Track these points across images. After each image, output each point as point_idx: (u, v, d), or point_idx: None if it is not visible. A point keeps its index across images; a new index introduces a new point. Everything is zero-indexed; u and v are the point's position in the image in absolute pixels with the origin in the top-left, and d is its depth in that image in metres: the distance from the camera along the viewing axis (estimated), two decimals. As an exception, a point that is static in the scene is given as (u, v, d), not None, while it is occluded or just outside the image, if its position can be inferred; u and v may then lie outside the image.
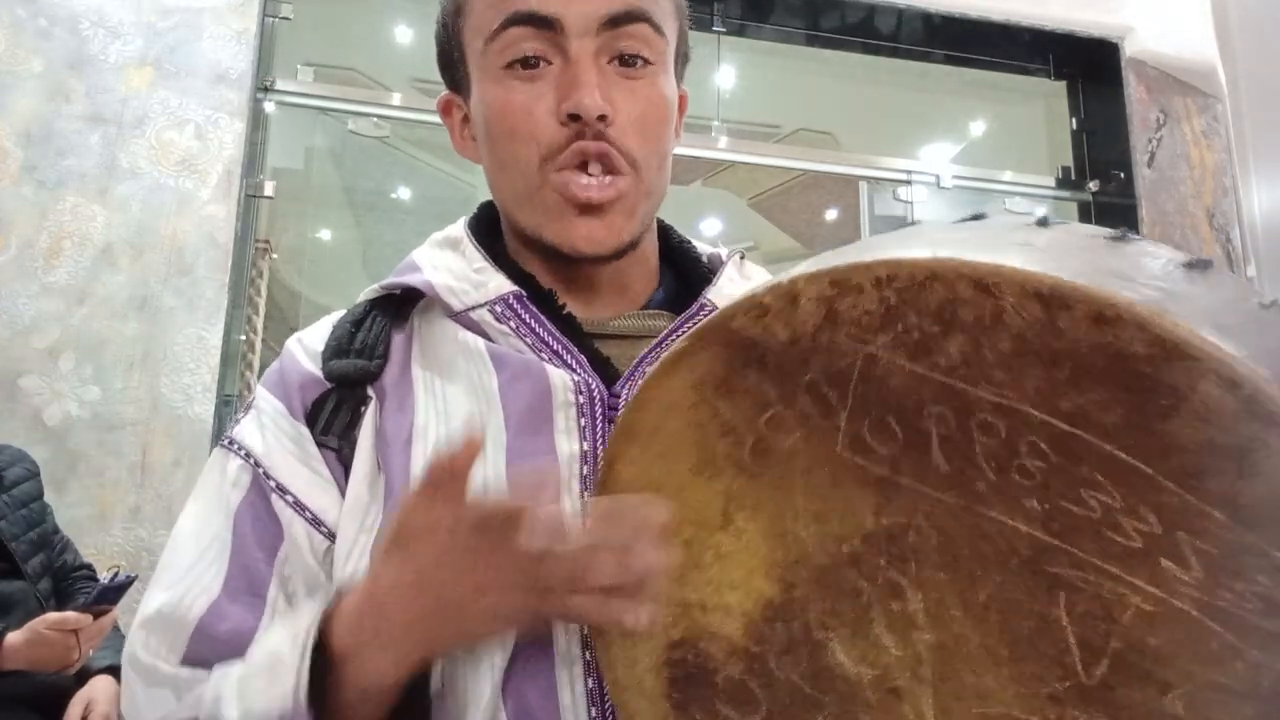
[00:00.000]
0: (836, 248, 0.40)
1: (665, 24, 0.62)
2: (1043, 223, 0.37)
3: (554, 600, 0.45)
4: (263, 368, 2.18)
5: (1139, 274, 0.32)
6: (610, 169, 0.59)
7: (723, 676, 0.43)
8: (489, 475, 0.56)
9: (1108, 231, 0.36)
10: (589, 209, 0.59)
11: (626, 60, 0.60)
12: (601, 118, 0.57)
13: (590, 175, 0.58)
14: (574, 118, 0.57)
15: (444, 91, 0.69)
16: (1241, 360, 0.29)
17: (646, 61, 0.61)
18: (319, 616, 0.50)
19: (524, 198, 0.61)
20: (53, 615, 1.51)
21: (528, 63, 0.59)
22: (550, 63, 0.59)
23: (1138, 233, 0.37)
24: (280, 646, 0.50)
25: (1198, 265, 0.34)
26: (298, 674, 0.48)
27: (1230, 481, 0.30)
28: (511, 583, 0.46)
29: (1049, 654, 0.35)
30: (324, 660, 0.49)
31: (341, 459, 0.59)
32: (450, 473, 0.46)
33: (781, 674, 0.41)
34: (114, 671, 1.64)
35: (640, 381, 0.43)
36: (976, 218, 0.39)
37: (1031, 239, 0.35)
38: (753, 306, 0.38)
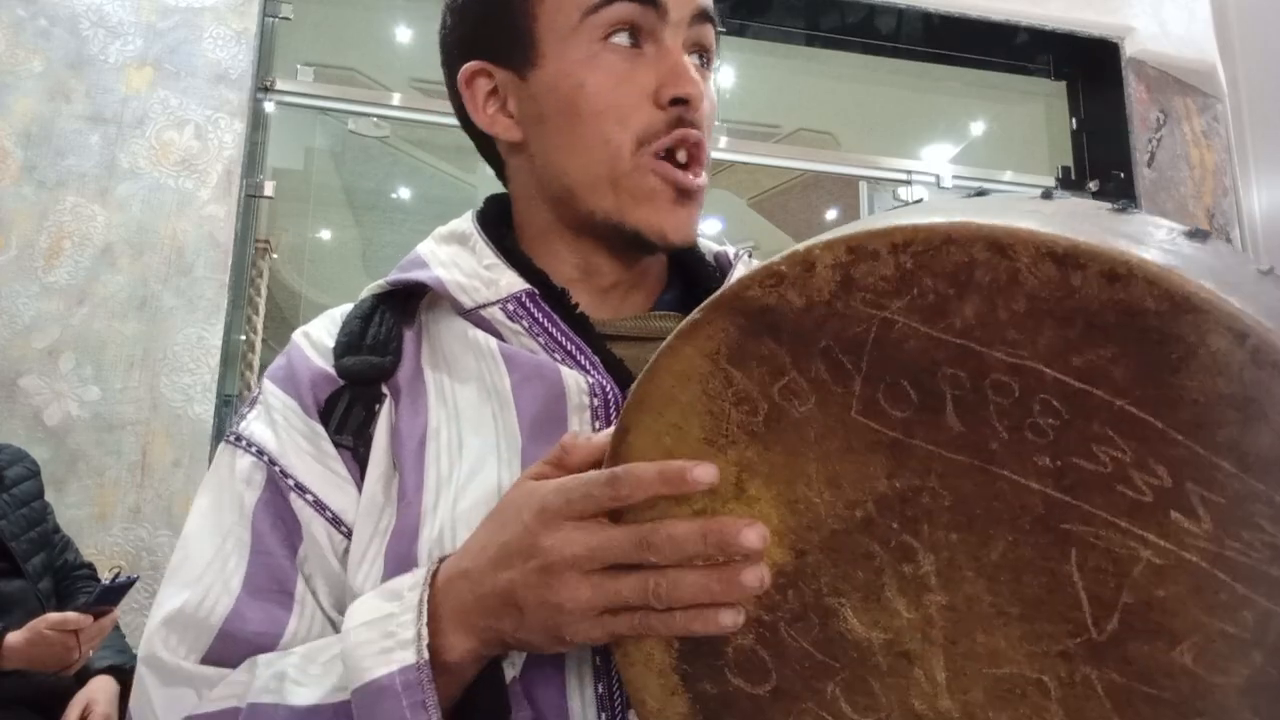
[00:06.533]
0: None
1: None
2: (1047, 195, 0.38)
3: (629, 619, 0.43)
4: (263, 368, 2.18)
5: (1145, 238, 0.33)
6: (696, 160, 0.59)
7: (733, 647, 0.43)
8: (503, 478, 0.54)
9: (1110, 204, 0.37)
10: (685, 196, 0.59)
11: (701, 57, 0.61)
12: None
13: (680, 163, 0.59)
14: (676, 103, 0.57)
15: (472, 62, 0.63)
16: (1248, 313, 0.30)
17: (710, 61, 0.62)
18: (428, 573, 0.49)
19: (607, 180, 0.59)
20: (53, 615, 1.50)
21: (634, 37, 0.59)
22: (642, 47, 0.59)
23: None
24: (384, 608, 0.48)
25: (1197, 235, 0.35)
26: (418, 625, 0.46)
27: (1238, 430, 0.30)
28: (585, 603, 0.43)
29: (1060, 611, 0.35)
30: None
31: (357, 458, 0.57)
32: (573, 449, 0.46)
33: (793, 642, 0.41)
34: (114, 671, 1.64)
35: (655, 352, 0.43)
36: (980, 194, 0.40)
37: (1039, 208, 0.36)
38: (769, 275, 0.38)
